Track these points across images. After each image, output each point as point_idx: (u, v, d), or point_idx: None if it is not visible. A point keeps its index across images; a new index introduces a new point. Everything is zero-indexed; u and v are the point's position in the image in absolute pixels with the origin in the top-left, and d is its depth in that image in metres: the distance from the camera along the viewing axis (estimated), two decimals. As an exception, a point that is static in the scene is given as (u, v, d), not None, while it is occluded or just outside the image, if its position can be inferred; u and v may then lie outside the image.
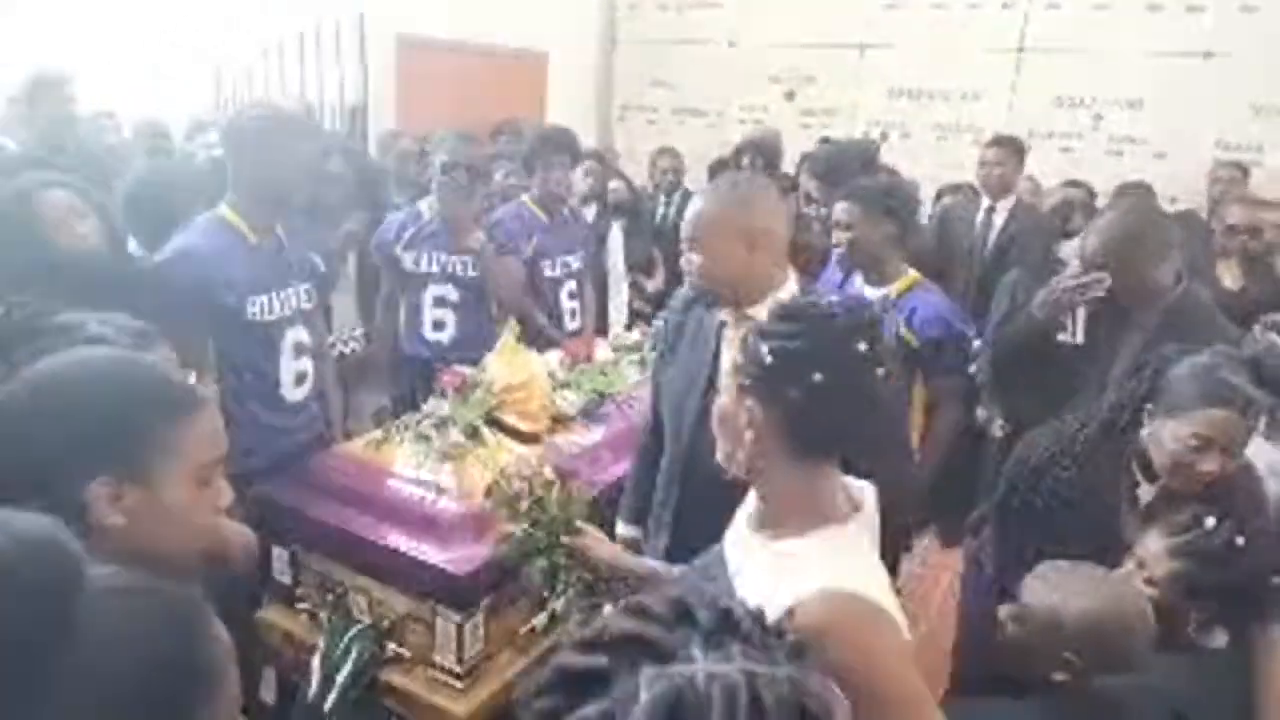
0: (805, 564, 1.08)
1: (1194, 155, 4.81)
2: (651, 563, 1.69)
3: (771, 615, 0.99)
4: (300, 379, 2.35)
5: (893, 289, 2.51)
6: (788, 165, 4.73)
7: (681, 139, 5.98)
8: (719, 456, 1.21)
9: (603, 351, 2.76)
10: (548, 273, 3.34)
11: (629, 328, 3.50)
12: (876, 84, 5.75)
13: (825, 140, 5.00)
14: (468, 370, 2.23)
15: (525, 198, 3.35)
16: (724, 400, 1.18)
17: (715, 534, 1.68)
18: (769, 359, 1.11)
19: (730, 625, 0.64)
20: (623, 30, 6.71)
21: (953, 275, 3.78)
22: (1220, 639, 1.64)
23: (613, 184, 4.89)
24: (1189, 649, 1.58)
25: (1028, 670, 1.49)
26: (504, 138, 4.90)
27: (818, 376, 1.08)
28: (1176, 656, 1.53)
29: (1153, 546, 1.59)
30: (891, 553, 1.96)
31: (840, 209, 2.54)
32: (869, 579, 1.08)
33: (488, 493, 1.88)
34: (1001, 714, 1.48)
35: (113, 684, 0.68)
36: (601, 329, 3.68)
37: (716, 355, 1.80)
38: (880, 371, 1.11)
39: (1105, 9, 5.04)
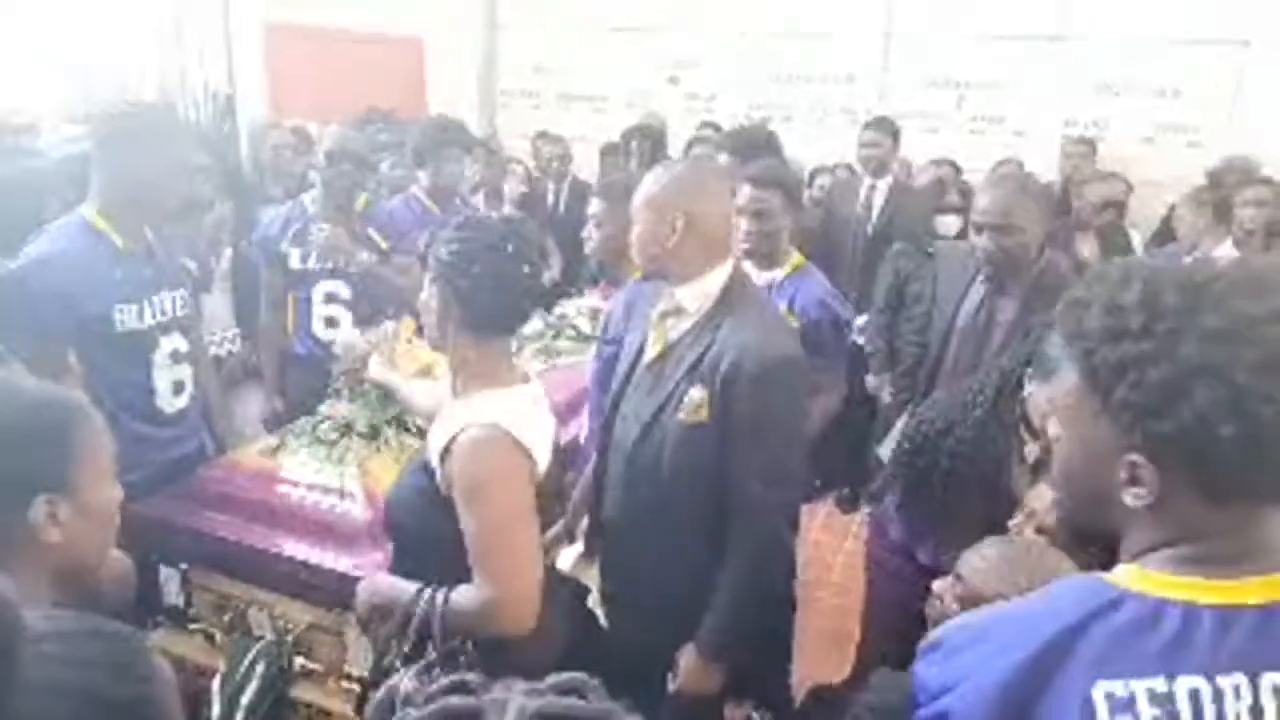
0: (474, 406, 1.49)
1: (1047, 133, 5.12)
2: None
3: (444, 439, 1.47)
4: (178, 388, 2.21)
5: (780, 273, 2.52)
6: (674, 150, 4.77)
7: (566, 124, 5.93)
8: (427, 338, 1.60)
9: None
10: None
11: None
12: (757, 68, 5.85)
13: (708, 124, 5.06)
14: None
15: (415, 190, 3.25)
16: (423, 294, 1.56)
17: (630, 500, 1.81)
18: (445, 256, 1.49)
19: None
20: (504, 14, 6.59)
21: (840, 252, 3.91)
22: None
23: (511, 166, 4.84)
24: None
25: None
26: (377, 126, 4.76)
27: (476, 268, 1.47)
28: None
29: (1044, 497, 1.69)
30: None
31: (756, 196, 2.48)
32: (518, 419, 1.48)
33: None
34: None
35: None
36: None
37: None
38: (526, 268, 1.51)
39: (965, -8, 5.29)
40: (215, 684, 1.80)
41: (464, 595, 1.47)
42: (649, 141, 4.16)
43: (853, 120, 5.22)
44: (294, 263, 2.92)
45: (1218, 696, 0.76)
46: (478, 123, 6.15)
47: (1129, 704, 0.76)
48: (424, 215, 3.18)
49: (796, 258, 2.57)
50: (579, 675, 0.61)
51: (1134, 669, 0.76)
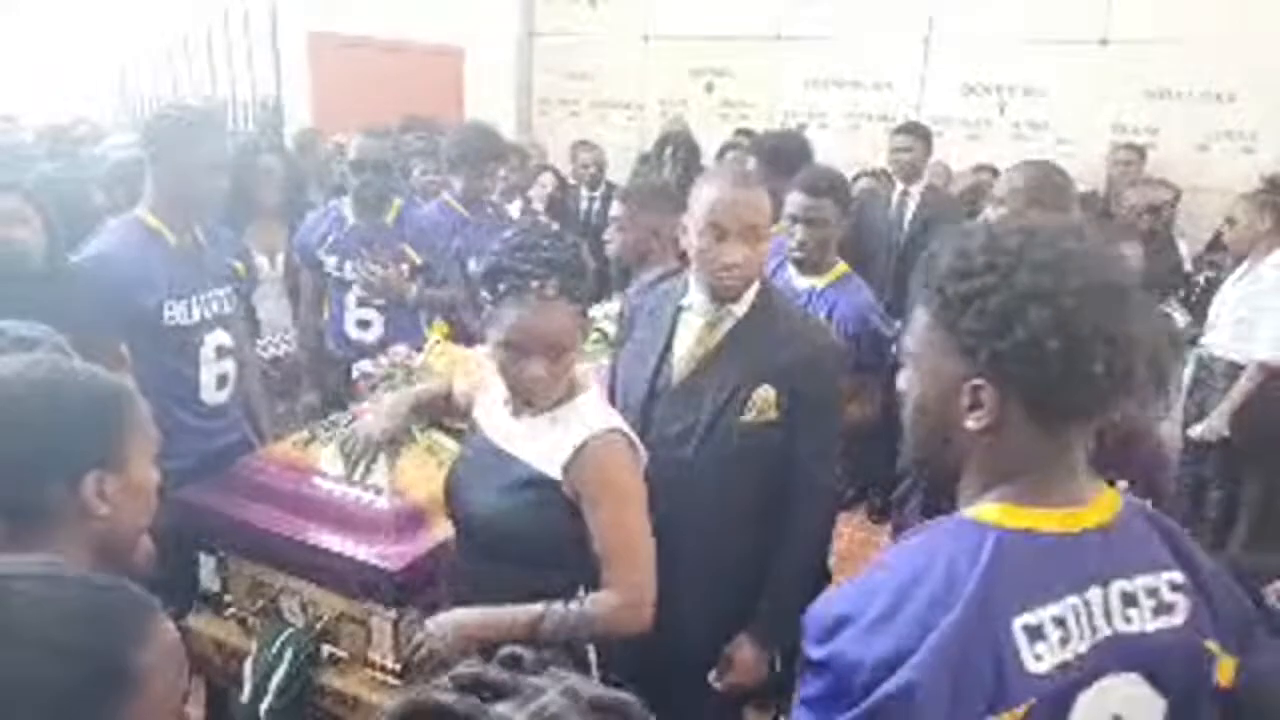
0: (585, 413, 1.55)
1: (1093, 139, 5.02)
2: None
3: (568, 450, 1.52)
4: (222, 382, 2.31)
5: (821, 281, 2.49)
6: (707, 158, 4.79)
7: (602, 132, 6.00)
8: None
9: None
10: (473, 268, 3.32)
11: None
12: (792, 75, 5.85)
13: (743, 131, 5.07)
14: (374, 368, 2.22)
15: (446, 195, 3.32)
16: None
17: (682, 511, 1.79)
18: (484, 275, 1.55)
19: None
20: (540, 24, 6.69)
21: (873, 257, 3.90)
22: None
23: (542, 178, 4.90)
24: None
25: None
26: (413, 135, 4.84)
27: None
28: None
29: None
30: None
31: (809, 204, 2.43)
32: (618, 419, 1.59)
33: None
34: None
35: (14, 672, 0.67)
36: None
37: (670, 337, 1.86)
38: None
39: (1008, -2, 5.22)
40: (247, 666, 1.88)
41: (601, 601, 1.49)
42: (683, 150, 4.19)
43: (889, 126, 5.21)
44: (330, 269, 3.01)
45: (1088, 607, 0.90)
46: (515, 130, 6.24)
47: (1039, 631, 0.88)
48: (455, 220, 3.25)
49: (840, 266, 2.53)
50: (623, 696, 0.58)
51: (1038, 599, 0.88)
